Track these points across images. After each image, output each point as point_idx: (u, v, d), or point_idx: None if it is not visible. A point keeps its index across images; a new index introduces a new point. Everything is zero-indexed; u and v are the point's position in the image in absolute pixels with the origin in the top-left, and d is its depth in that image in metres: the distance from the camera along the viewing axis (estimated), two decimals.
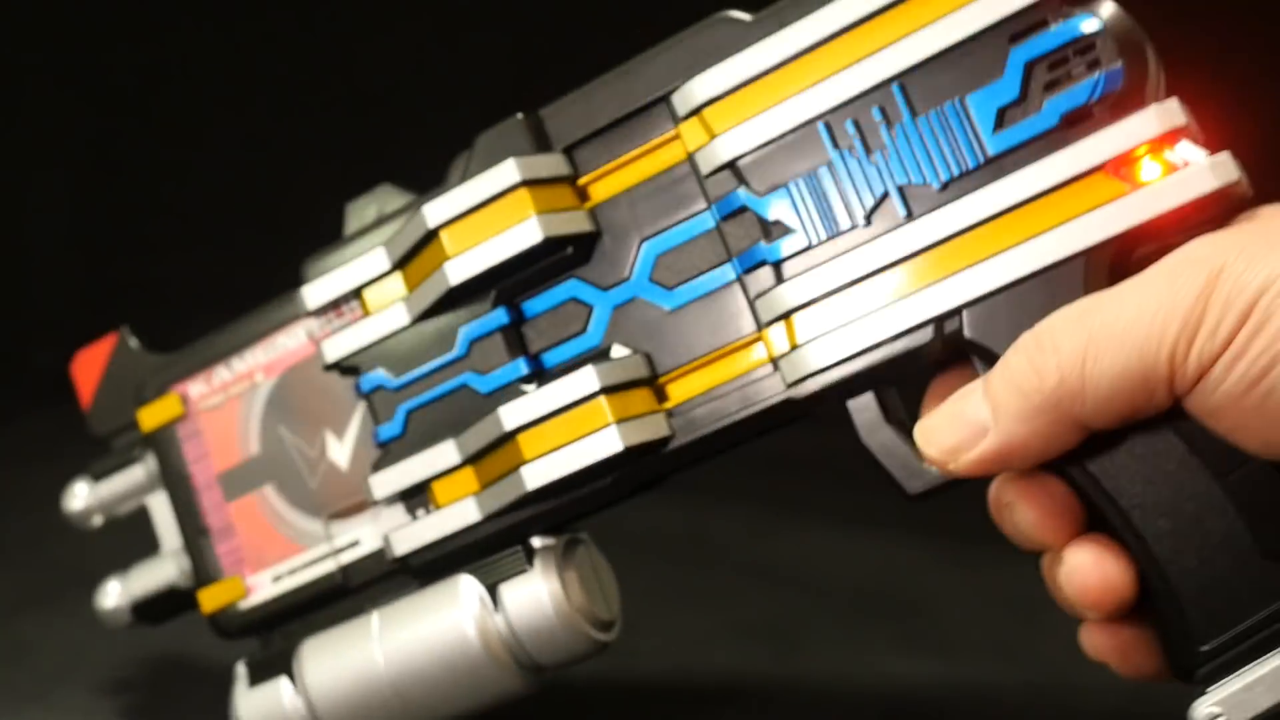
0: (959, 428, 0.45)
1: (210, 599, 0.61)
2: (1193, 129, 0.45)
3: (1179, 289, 0.42)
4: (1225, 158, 0.45)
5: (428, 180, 0.58)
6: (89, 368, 0.65)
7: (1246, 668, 0.44)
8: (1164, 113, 0.45)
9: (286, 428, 0.60)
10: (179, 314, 0.64)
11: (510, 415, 0.52)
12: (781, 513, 0.74)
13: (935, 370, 0.50)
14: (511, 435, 0.53)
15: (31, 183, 1.23)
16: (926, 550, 0.50)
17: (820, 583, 0.69)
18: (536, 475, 0.52)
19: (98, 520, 0.65)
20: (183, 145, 1.16)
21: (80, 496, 0.65)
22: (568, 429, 0.52)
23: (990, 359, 0.47)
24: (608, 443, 0.51)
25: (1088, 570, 0.46)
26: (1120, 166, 0.45)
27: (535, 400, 0.52)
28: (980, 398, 0.45)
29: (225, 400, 0.61)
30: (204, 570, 0.61)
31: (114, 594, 0.64)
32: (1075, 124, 0.46)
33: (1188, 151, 0.45)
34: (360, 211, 0.59)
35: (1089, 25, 0.46)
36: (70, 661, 0.71)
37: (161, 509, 0.63)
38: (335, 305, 0.58)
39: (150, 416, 0.62)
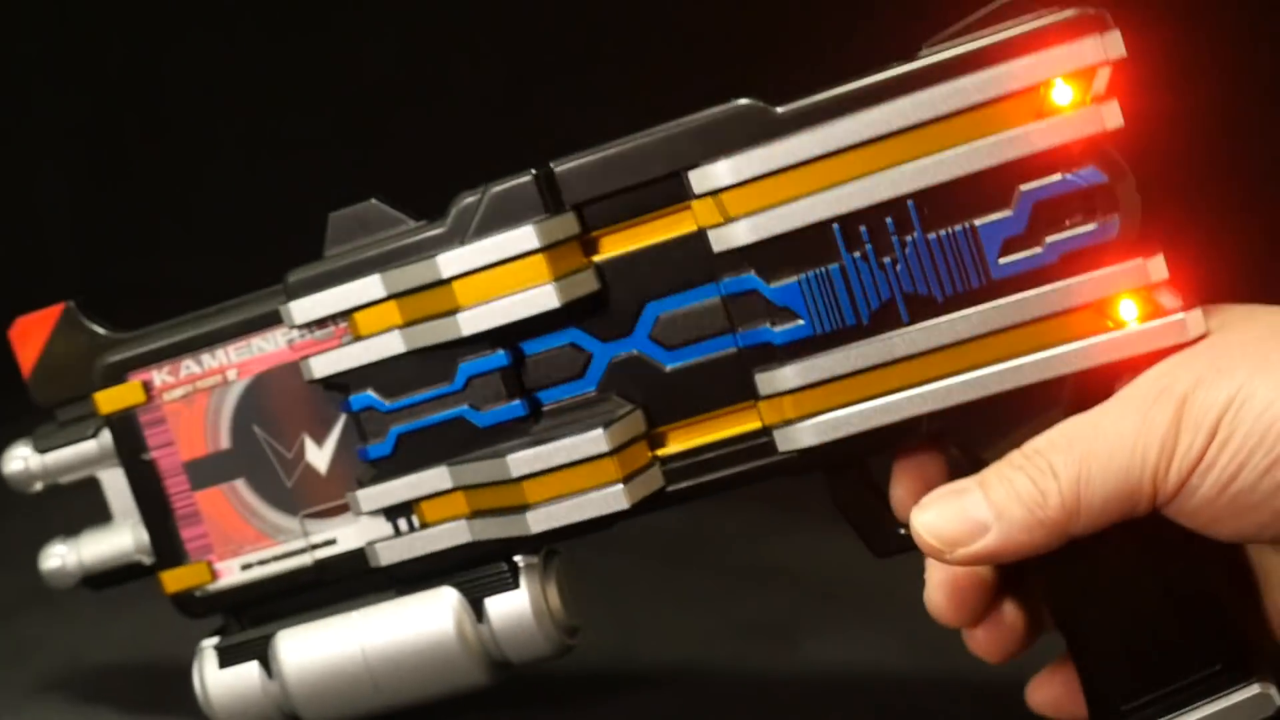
0: (959, 524, 0.51)
1: (174, 580, 0.63)
2: (1171, 279, 0.51)
3: (1154, 420, 0.49)
4: (1197, 314, 0.51)
5: (425, 179, 0.59)
6: (30, 336, 0.64)
7: None
8: (1151, 267, 0.51)
9: (261, 427, 0.61)
10: (176, 317, 0.63)
11: (518, 464, 0.56)
12: (781, 513, 0.77)
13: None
14: (516, 480, 0.56)
15: (33, 185, 1.16)
16: None
17: (820, 583, 0.73)
18: (541, 520, 0.56)
19: (38, 486, 0.66)
20: (183, 148, 1.11)
21: (20, 459, 0.65)
22: (574, 481, 0.55)
23: (969, 454, 0.54)
24: (614, 499, 0.55)
25: (983, 643, 0.56)
26: (1104, 305, 0.51)
27: (544, 453, 0.55)
28: (980, 499, 0.51)
29: (193, 393, 0.62)
30: (167, 552, 0.63)
31: (59, 556, 0.65)
32: (1070, 262, 0.52)
33: (1165, 300, 0.51)
34: (344, 226, 0.59)
35: (1095, 179, 0.51)
36: (70, 661, 0.71)
37: (115, 484, 0.64)
38: (321, 322, 0.59)
39: (109, 401, 0.62)
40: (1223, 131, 0.74)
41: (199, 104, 1.13)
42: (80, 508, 0.66)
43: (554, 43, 1.05)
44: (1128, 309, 0.51)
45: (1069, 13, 0.51)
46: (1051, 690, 0.56)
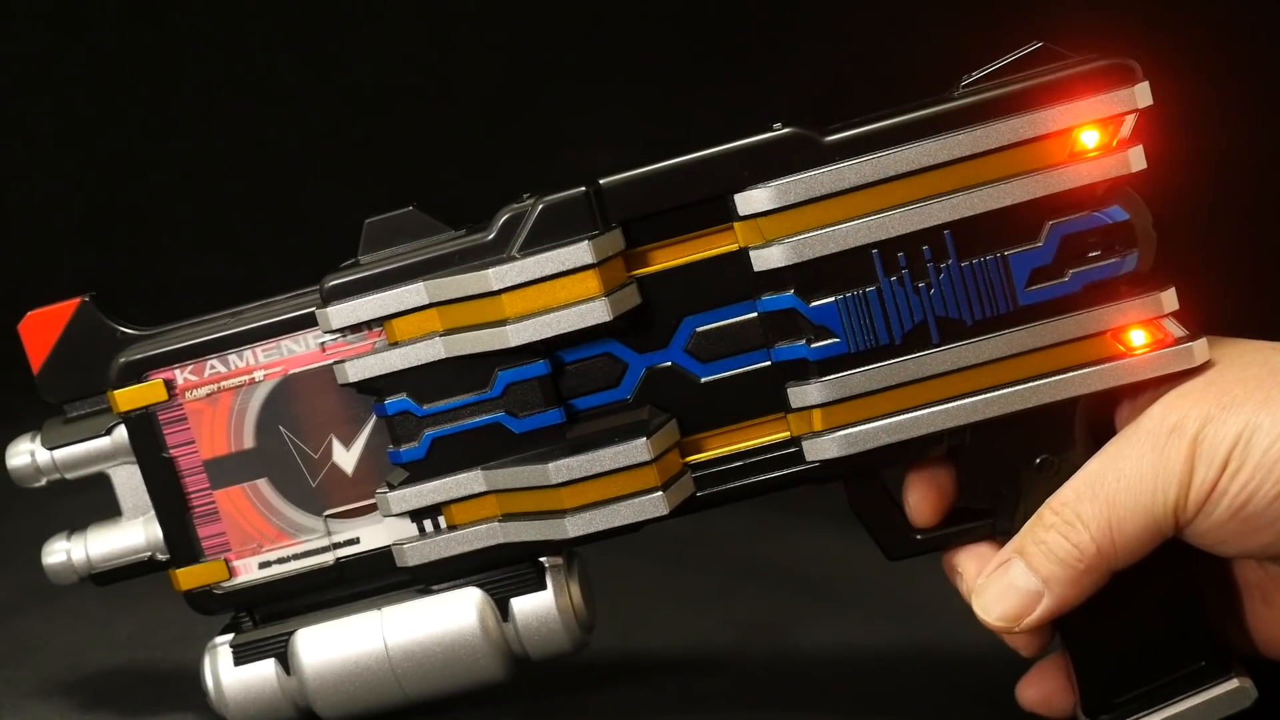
0: (1014, 599, 0.56)
1: (189, 578, 0.63)
2: (1180, 310, 0.56)
3: (1169, 458, 0.54)
4: (1202, 343, 0.56)
5: (426, 179, 0.60)
6: (42, 331, 0.64)
7: (1140, 714, 0.58)
8: (1164, 299, 0.56)
9: (287, 428, 0.62)
10: (180, 315, 0.63)
11: (559, 471, 0.57)
12: (781, 513, 0.78)
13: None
14: (555, 485, 0.58)
15: (33, 183, 1.12)
16: None
17: (820, 582, 0.75)
18: (579, 525, 0.58)
19: (43, 481, 0.65)
20: (184, 146, 1.08)
21: (26, 454, 0.64)
22: (613, 487, 0.57)
23: (986, 470, 0.58)
24: (653, 506, 0.57)
25: (1020, 637, 0.58)
26: (1120, 332, 0.56)
27: (585, 460, 0.57)
28: (1023, 569, 0.55)
29: (217, 392, 0.62)
30: (183, 551, 0.63)
31: (63, 551, 0.64)
32: (1091, 292, 0.56)
33: (1174, 329, 0.56)
34: (381, 232, 0.61)
35: (1118, 217, 0.55)
36: (72, 660, 0.70)
37: (126, 481, 0.64)
38: (356, 326, 0.60)
39: (128, 399, 0.62)
40: (1233, 170, 0.80)
41: (200, 104, 1.12)
42: (80, 505, 0.65)
43: (556, 42, 1.07)
44: (1140, 336, 0.56)
45: (1101, 63, 0.55)
46: (1042, 687, 0.61)
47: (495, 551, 0.61)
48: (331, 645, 0.62)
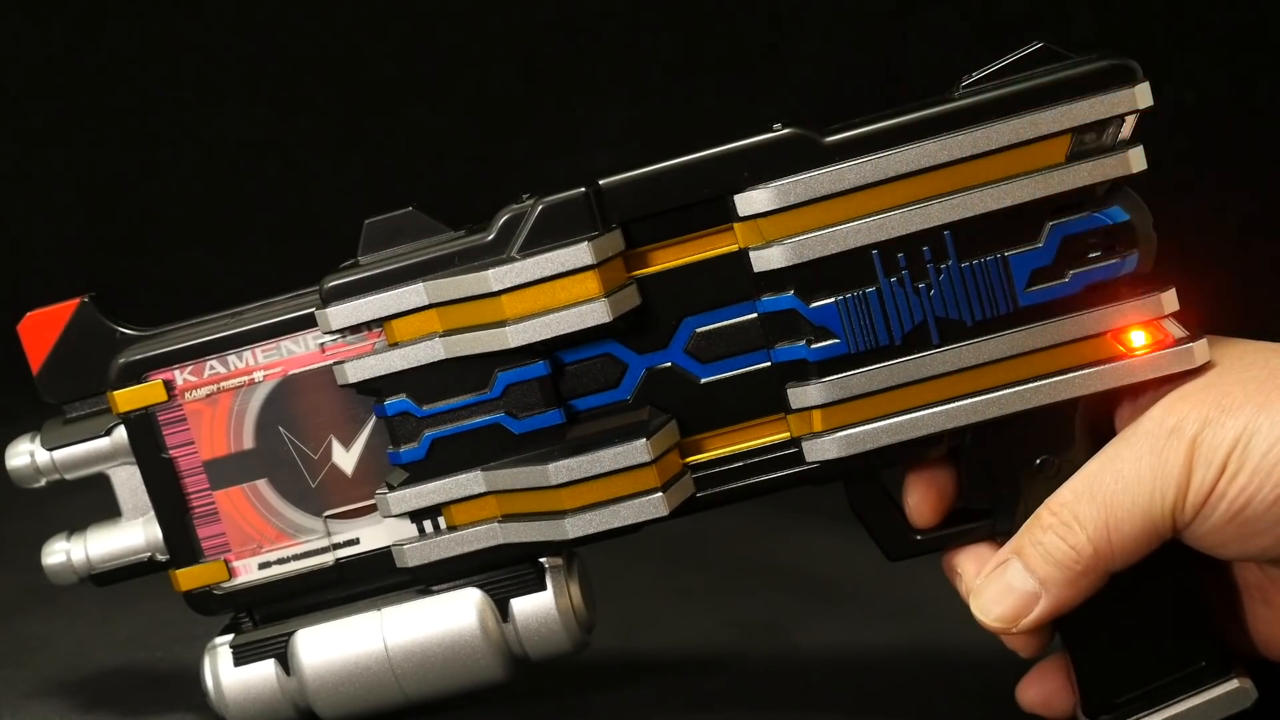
0: (1012, 600, 0.56)
1: (189, 579, 0.63)
2: (1180, 311, 0.56)
3: (1167, 459, 0.54)
4: (1203, 344, 0.56)
5: (425, 179, 0.60)
6: (42, 331, 0.64)
7: (1140, 714, 0.58)
8: (1165, 300, 0.56)
9: (287, 428, 0.62)
10: (180, 315, 0.63)
11: (559, 472, 0.57)
12: (781, 513, 0.78)
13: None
14: (555, 486, 0.58)
15: (32, 183, 1.13)
16: None
17: (820, 582, 0.75)
18: (579, 526, 0.58)
19: (42, 482, 0.65)
20: (184, 146, 1.09)
21: (25, 454, 0.64)
22: (613, 488, 0.57)
23: (986, 470, 0.58)
24: (653, 507, 0.57)
25: (1019, 638, 0.58)
26: (1120, 333, 0.56)
27: (585, 461, 0.57)
28: (1021, 570, 0.55)
29: (217, 393, 0.62)
30: (183, 551, 0.63)
31: (63, 552, 0.64)
32: (1091, 293, 0.56)
33: (1174, 330, 0.56)
34: (380, 233, 0.61)
35: (1118, 218, 0.55)
36: (72, 660, 0.70)
37: (125, 482, 0.64)
38: (356, 327, 0.60)
39: (127, 399, 0.62)
40: (1233, 170, 0.80)
41: (200, 103, 1.13)
42: (80, 506, 0.65)
43: (556, 43, 1.07)
44: (1140, 337, 0.56)
45: (1101, 63, 0.55)
46: (1042, 688, 0.60)
47: (495, 552, 0.61)
48: (331, 646, 0.62)
